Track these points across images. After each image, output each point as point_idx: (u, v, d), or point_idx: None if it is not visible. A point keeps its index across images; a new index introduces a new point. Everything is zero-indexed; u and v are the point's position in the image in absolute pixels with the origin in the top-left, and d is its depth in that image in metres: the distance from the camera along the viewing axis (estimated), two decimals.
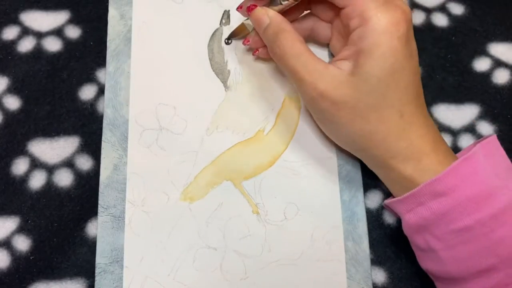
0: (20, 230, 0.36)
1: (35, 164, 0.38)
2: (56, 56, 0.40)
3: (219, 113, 0.38)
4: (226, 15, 0.40)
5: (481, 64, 0.41)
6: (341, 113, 0.31)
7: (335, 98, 0.31)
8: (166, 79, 0.38)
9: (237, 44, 0.39)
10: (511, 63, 0.41)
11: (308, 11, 0.37)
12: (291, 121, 0.38)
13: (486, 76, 0.41)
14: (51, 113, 0.39)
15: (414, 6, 0.43)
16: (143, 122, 0.37)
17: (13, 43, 0.40)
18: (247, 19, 0.37)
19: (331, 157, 0.37)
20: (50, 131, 0.38)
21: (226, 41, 0.39)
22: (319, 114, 0.33)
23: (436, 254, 0.30)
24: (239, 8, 0.36)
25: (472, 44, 0.41)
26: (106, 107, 0.37)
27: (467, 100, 0.40)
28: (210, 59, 0.39)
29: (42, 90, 0.39)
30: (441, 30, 0.42)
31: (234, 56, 0.39)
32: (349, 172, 0.37)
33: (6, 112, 0.39)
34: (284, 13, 0.34)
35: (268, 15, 0.34)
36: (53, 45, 0.40)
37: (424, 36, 0.42)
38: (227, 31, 0.40)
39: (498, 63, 0.41)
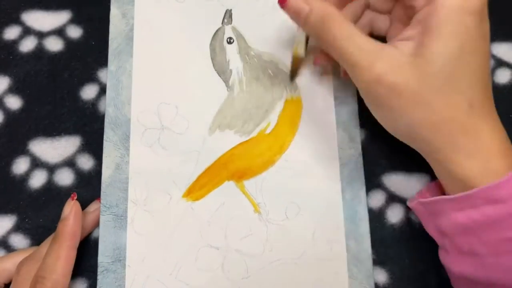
0: (17, 228, 0.36)
1: (36, 163, 0.38)
2: (57, 56, 0.40)
3: (220, 113, 0.38)
4: (228, 14, 0.40)
5: None
6: (402, 99, 0.28)
7: (395, 81, 0.28)
8: (168, 78, 0.38)
9: (239, 43, 0.39)
10: None
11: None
12: (293, 120, 0.38)
13: None
14: (52, 113, 0.39)
15: None
16: (145, 121, 0.37)
17: (15, 43, 0.40)
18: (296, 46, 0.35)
19: (333, 156, 0.37)
20: (51, 131, 0.38)
21: (293, 79, 0.38)
22: (375, 100, 0.30)
23: (479, 259, 0.28)
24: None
25: None
26: (107, 106, 0.37)
27: None
28: (212, 59, 0.39)
29: (44, 90, 0.39)
30: None
31: (236, 56, 0.39)
32: (351, 172, 0.37)
33: (8, 112, 0.39)
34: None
35: (306, 1, 0.30)
36: (54, 45, 0.40)
37: None
38: (229, 30, 0.40)
39: (500, 63, 0.41)
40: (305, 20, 0.31)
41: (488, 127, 0.28)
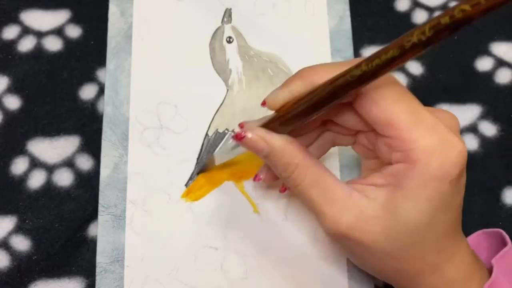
0: (18, 229, 0.36)
1: (35, 163, 0.37)
2: (56, 55, 0.40)
3: (220, 112, 0.38)
4: (228, 13, 0.40)
5: (484, 64, 0.41)
6: (368, 252, 0.27)
7: (362, 238, 0.26)
8: (167, 78, 0.38)
9: (239, 43, 0.39)
10: None
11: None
12: None
13: (488, 75, 0.40)
14: (51, 113, 0.38)
15: (416, 5, 0.42)
16: (144, 120, 0.37)
17: (13, 42, 0.40)
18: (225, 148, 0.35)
19: (333, 156, 0.37)
20: (50, 131, 0.38)
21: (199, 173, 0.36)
22: (342, 246, 0.29)
23: None
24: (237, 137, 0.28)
25: (475, 44, 0.41)
26: (106, 105, 0.37)
27: (469, 99, 0.40)
28: (212, 58, 0.39)
29: (42, 90, 0.39)
30: None
31: (236, 55, 0.39)
32: (352, 171, 0.37)
33: (6, 112, 0.38)
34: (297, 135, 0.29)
35: (267, 141, 0.27)
36: (53, 44, 0.40)
37: None
38: (228, 29, 0.39)
39: (500, 63, 0.41)
40: (265, 158, 0.28)
41: (454, 262, 0.28)
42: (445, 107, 0.40)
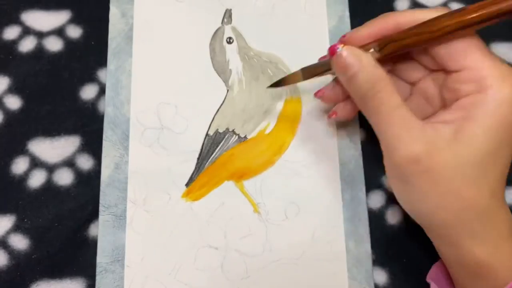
0: (16, 228, 0.36)
1: (35, 163, 0.37)
2: (57, 55, 0.40)
3: (220, 113, 0.38)
4: (228, 14, 0.40)
5: None
6: (434, 182, 0.27)
7: (431, 165, 0.27)
8: (168, 78, 0.38)
9: (239, 43, 0.39)
10: None
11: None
12: (293, 121, 0.38)
13: None
14: (52, 113, 0.38)
15: (415, 5, 0.43)
16: (145, 121, 0.37)
17: (14, 43, 0.40)
18: (307, 68, 0.34)
19: (333, 157, 0.37)
20: (51, 131, 0.38)
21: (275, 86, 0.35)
22: (405, 177, 0.28)
23: None
24: (323, 57, 0.32)
25: None
26: (107, 105, 0.37)
27: None
28: (212, 58, 0.39)
29: (43, 90, 0.39)
30: None
31: (236, 56, 0.39)
32: (351, 172, 0.37)
33: (7, 112, 0.39)
34: None
35: (361, 59, 0.29)
36: (54, 44, 0.40)
37: None
38: (229, 30, 0.40)
39: None
40: (351, 78, 0.29)
41: (502, 213, 0.28)
42: None
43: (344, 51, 0.29)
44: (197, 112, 0.38)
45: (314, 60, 0.39)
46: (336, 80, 0.33)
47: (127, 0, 0.40)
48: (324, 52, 0.39)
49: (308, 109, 0.38)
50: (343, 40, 0.32)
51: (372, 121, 0.30)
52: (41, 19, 0.41)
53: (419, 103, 0.33)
